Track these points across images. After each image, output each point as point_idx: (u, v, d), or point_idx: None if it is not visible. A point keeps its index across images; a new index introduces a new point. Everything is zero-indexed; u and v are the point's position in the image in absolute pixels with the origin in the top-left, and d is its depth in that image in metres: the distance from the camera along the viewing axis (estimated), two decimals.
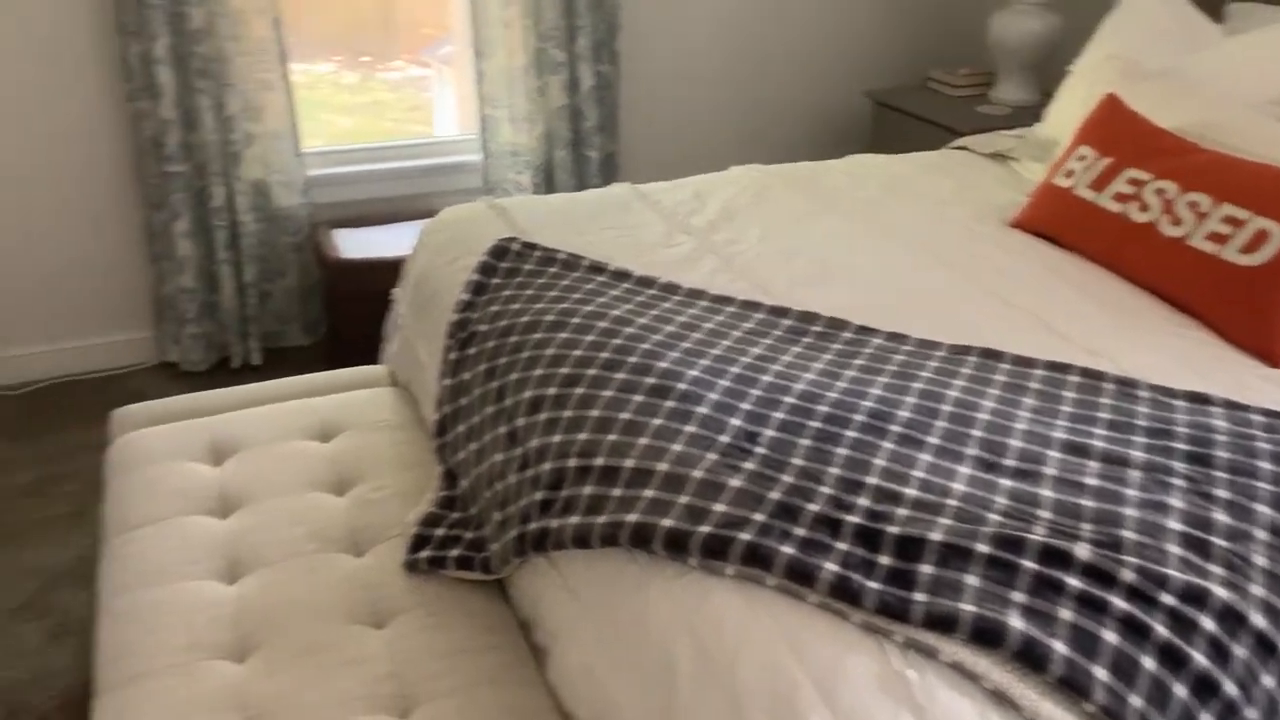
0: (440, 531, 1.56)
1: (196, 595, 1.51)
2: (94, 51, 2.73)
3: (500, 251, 1.84)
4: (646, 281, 1.75)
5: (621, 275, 1.77)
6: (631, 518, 1.19)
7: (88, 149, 2.81)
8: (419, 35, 4.60)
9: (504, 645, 1.41)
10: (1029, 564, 1.09)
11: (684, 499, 1.19)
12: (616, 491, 1.25)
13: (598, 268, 1.79)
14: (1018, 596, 1.06)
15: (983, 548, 1.10)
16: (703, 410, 1.34)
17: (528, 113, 3.13)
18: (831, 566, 1.09)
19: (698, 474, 1.23)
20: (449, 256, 1.97)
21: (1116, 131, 2.02)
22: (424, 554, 1.52)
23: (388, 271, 2.83)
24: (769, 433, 1.30)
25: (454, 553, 1.50)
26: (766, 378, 1.43)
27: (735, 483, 1.20)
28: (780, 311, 1.66)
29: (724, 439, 1.29)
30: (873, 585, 1.07)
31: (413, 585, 1.52)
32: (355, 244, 2.97)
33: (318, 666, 1.37)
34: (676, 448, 1.28)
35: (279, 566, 1.57)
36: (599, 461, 1.30)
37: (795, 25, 3.52)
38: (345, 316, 2.95)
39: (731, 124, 3.57)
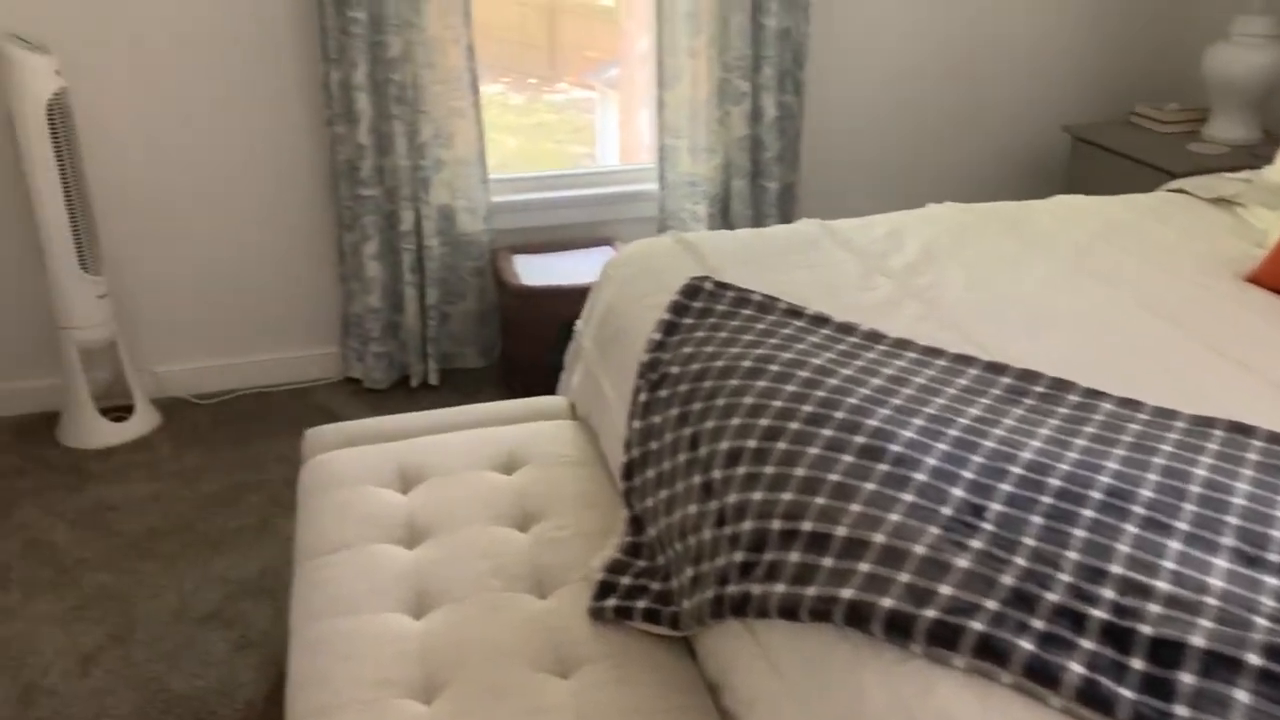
0: (626, 580, 1.51)
1: (384, 628, 1.51)
2: (297, 78, 2.84)
3: (692, 290, 1.79)
4: (847, 328, 1.67)
5: (820, 320, 1.70)
6: (847, 594, 1.11)
7: (288, 171, 2.93)
8: (583, 58, 4.66)
9: (694, 708, 1.35)
10: None
11: (905, 577, 1.10)
12: (827, 562, 1.17)
13: (794, 311, 1.72)
14: None
15: (1253, 658, 0.98)
16: (920, 477, 1.25)
17: (708, 143, 3.09)
18: (1077, 668, 0.98)
19: (920, 550, 1.14)
20: (638, 292, 1.94)
21: None
22: (610, 602, 1.48)
23: (564, 299, 2.84)
24: (996, 507, 1.20)
25: (641, 604, 1.46)
26: (988, 443, 1.33)
27: (962, 562, 1.11)
28: (997, 368, 1.55)
29: (946, 511, 1.20)
30: (1126, 693, 0.96)
31: (597, 633, 1.48)
32: (534, 270, 2.99)
33: (505, 714, 1.35)
34: (894, 518, 1.19)
35: (465, 603, 1.55)
36: (806, 526, 1.23)
37: (991, 57, 3.37)
38: (521, 341, 2.97)
39: (917, 158, 3.44)
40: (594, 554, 1.63)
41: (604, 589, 1.51)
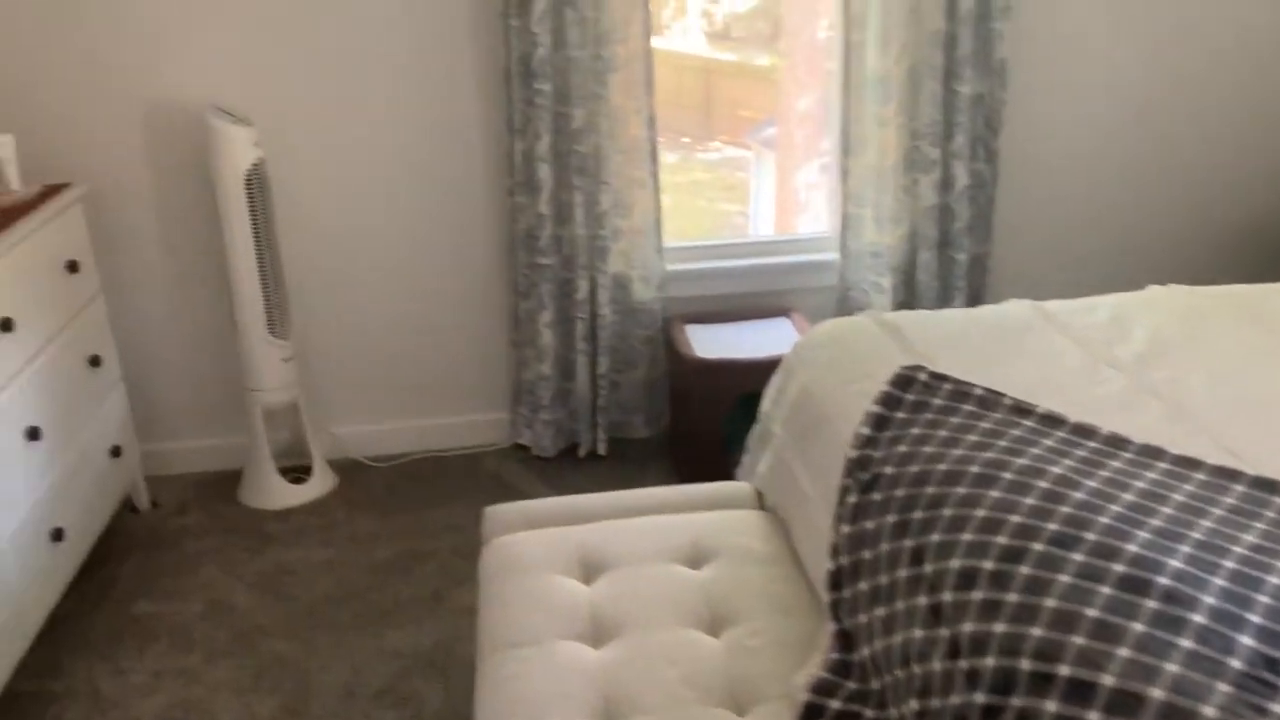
0: (836, 704, 1.38)
1: None
2: (482, 149, 2.86)
3: (904, 381, 1.67)
4: (1085, 430, 1.51)
5: (1053, 420, 1.54)
6: None
7: (467, 240, 2.94)
8: (737, 117, 4.60)
9: None
10: None
11: None
12: (1093, 717, 1.02)
13: (1022, 409, 1.57)
14: None
15: None
16: (1198, 619, 1.09)
17: (893, 212, 2.96)
18: None
19: (1209, 712, 0.98)
20: (839, 378, 1.82)
21: None
22: None
23: (740, 372, 2.74)
24: None
25: None
26: (1273, 579, 1.15)
27: None
28: (1268, 485, 1.36)
29: (1235, 664, 1.03)
30: None
31: None
32: (707, 341, 2.90)
33: None
34: (1172, 669, 1.03)
35: (656, 716, 1.45)
36: (1064, 671, 1.08)
37: (1214, 122, 3.13)
38: (692, 413, 2.88)
39: (1124, 232, 3.22)
40: (795, 668, 1.50)
41: (810, 712, 1.38)
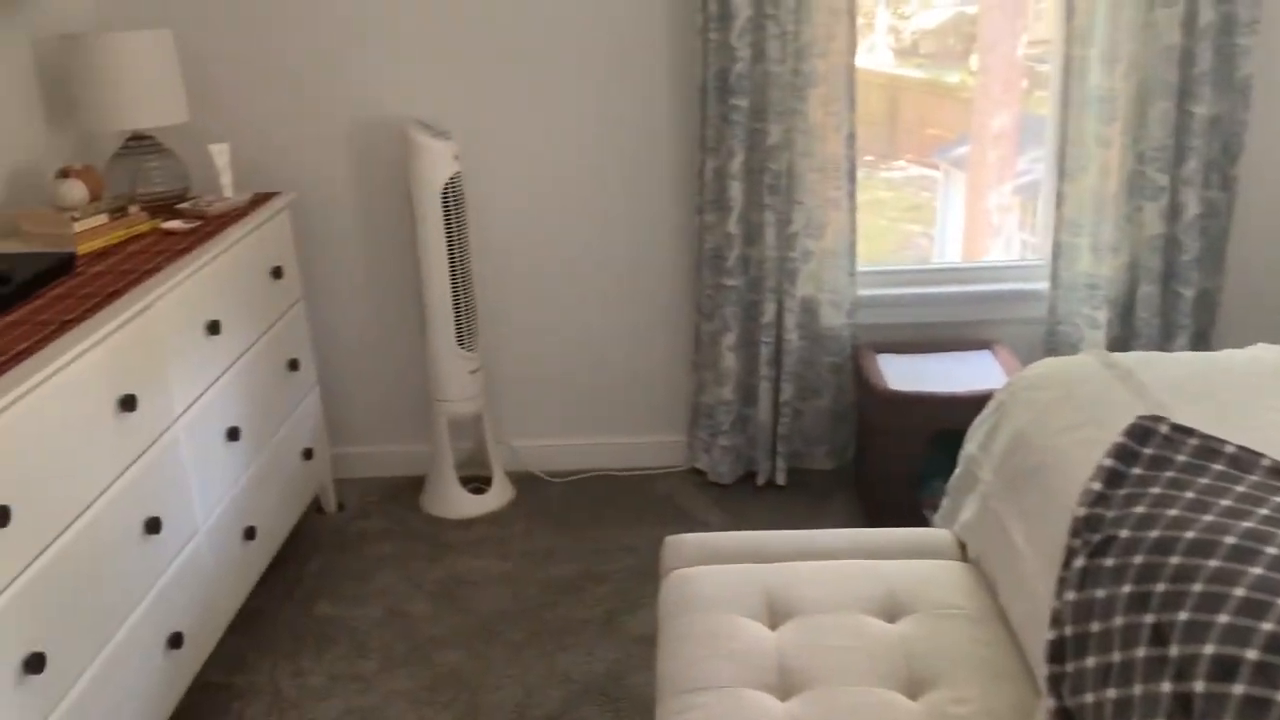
0: None
1: None
2: (672, 166, 2.81)
3: (1142, 433, 1.49)
4: None
5: None
6: None
7: (652, 258, 2.90)
8: (924, 136, 4.38)
9: None
10: None
11: None
12: None
13: None
14: None
15: None
16: None
17: (1113, 241, 2.73)
18: None
19: None
20: (1061, 424, 1.66)
21: None
22: None
23: (936, 407, 2.58)
24: None
25: None
26: None
27: None
28: None
29: None
30: None
31: None
32: (900, 372, 2.75)
33: None
34: None
35: None
36: None
37: None
38: (881, 448, 2.73)
39: None
40: None
41: None
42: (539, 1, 2.68)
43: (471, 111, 2.77)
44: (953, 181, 3.90)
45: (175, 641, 1.96)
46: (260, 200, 2.59)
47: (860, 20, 2.61)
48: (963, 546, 1.86)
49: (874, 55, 4.03)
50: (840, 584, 1.73)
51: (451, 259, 2.69)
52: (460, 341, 2.76)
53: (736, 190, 2.69)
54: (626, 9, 2.68)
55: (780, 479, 2.94)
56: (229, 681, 2.26)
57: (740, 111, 2.62)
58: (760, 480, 2.96)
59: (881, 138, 4.27)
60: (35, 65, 2.44)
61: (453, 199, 2.65)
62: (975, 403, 2.05)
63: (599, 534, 2.76)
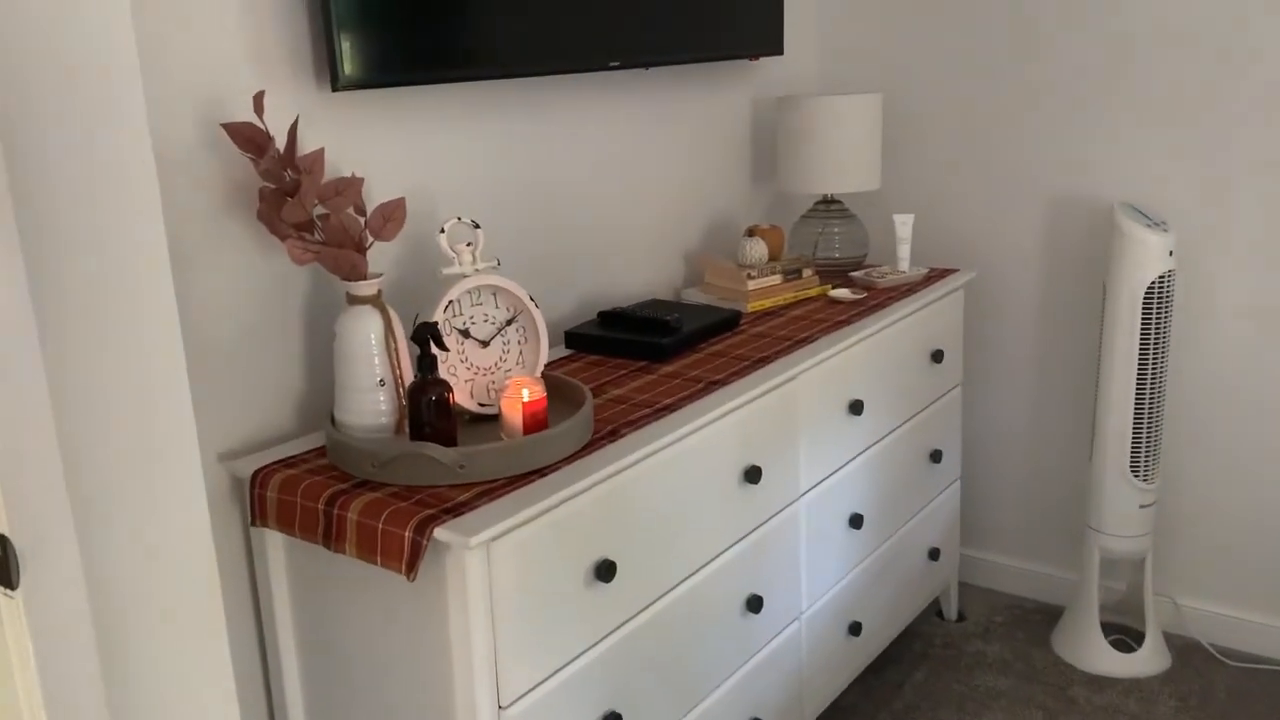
0: None
1: None
2: None
3: None
4: None
5: None
6: None
7: None
8: None
9: None
10: None
11: None
12: None
13: None
14: None
15: None
16: None
17: None
18: None
19: None
20: None
21: None
22: None
23: None
24: None
25: None
26: None
27: None
28: None
29: None
30: None
31: None
32: None
33: None
34: None
35: None
36: None
37: None
38: None
39: None
40: None
41: None
42: None
43: (1198, 200, 2.30)
44: None
45: None
46: (935, 276, 2.42)
47: None
48: None
49: None
50: None
51: (1141, 372, 2.25)
52: (1135, 469, 2.30)
53: None
54: None
55: None
56: None
57: None
58: None
59: None
60: (752, 124, 2.55)
61: (1158, 302, 2.22)
62: None
63: None
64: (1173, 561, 2.50)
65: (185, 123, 1.44)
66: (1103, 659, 2.40)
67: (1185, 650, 2.46)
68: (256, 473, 1.47)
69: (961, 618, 2.65)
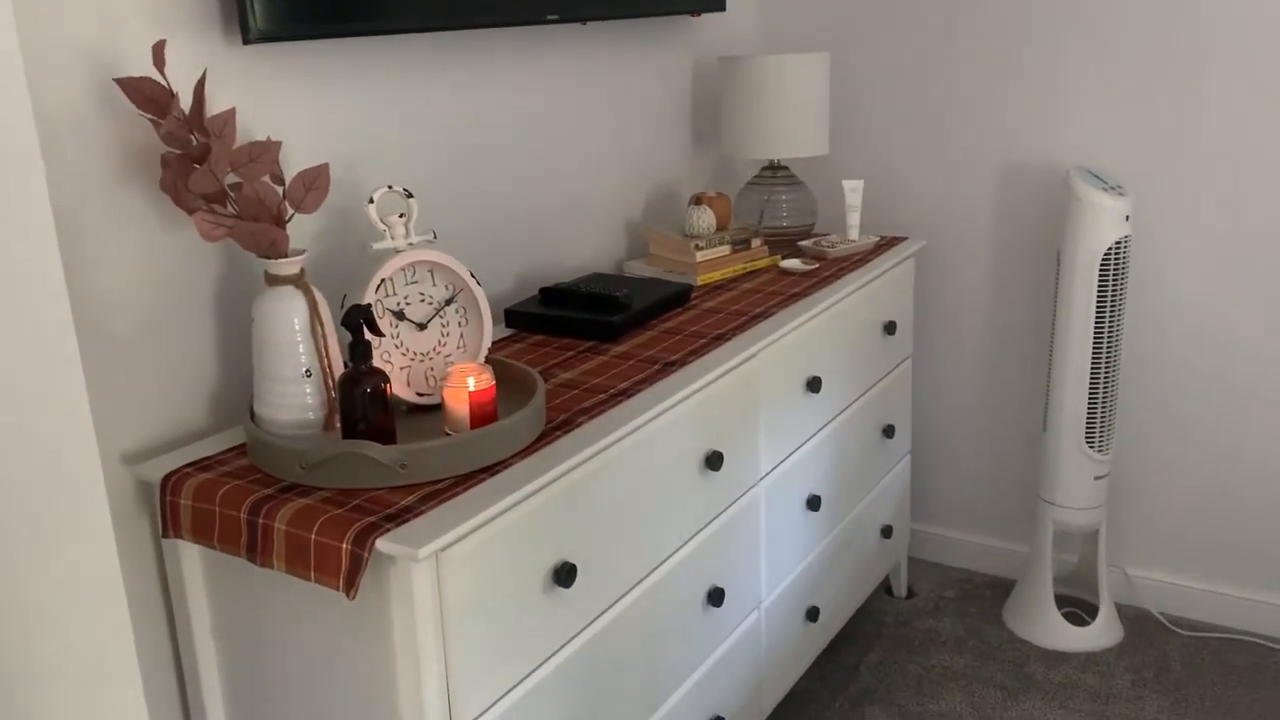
0: None
1: None
2: None
3: None
4: None
5: None
6: None
7: None
8: None
9: None
10: None
11: None
12: None
13: None
14: None
15: None
16: None
17: None
18: None
19: None
20: None
21: None
22: None
23: None
24: None
25: None
26: None
27: None
28: None
29: None
30: None
31: None
32: None
33: None
34: None
35: None
36: None
37: None
38: None
39: None
40: None
41: None
42: (1259, 34, 2.07)
43: (1155, 164, 2.24)
44: None
45: None
46: (886, 245, 2.33)
47: None
48: None
49: None
50: None
51: (1097, 341, 2.20)
52: (1090, 440, 2.26)
53: None
54: None
55: None
56: None
57: None
58: None
59: None
60: (693, 85, 2.42)
61: (1114, 269, 2.16)
62: None
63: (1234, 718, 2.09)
64: (1126, 531, 2.47)
65: (72, 78, 1.25)
66: (1058, 634, 2.36)
67: (1137, 621, 2.44)
68: (167, 477, 1.30)
69: (911, 594, 2.59)
